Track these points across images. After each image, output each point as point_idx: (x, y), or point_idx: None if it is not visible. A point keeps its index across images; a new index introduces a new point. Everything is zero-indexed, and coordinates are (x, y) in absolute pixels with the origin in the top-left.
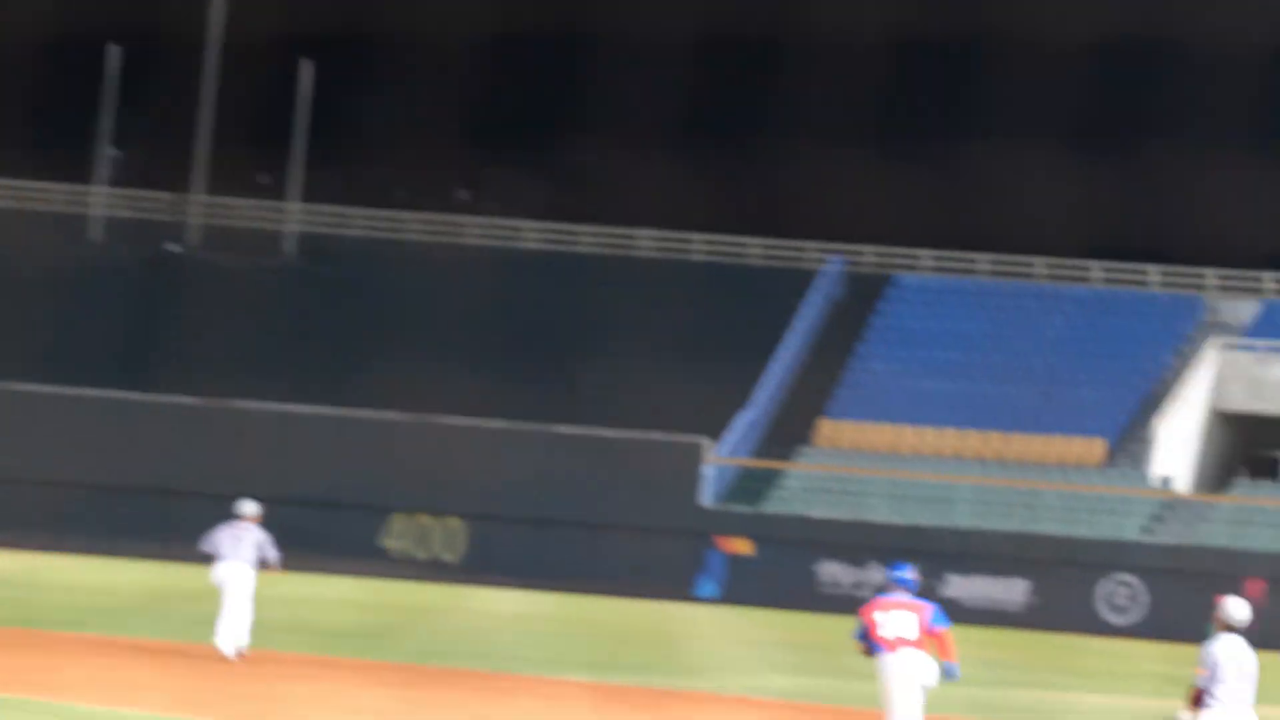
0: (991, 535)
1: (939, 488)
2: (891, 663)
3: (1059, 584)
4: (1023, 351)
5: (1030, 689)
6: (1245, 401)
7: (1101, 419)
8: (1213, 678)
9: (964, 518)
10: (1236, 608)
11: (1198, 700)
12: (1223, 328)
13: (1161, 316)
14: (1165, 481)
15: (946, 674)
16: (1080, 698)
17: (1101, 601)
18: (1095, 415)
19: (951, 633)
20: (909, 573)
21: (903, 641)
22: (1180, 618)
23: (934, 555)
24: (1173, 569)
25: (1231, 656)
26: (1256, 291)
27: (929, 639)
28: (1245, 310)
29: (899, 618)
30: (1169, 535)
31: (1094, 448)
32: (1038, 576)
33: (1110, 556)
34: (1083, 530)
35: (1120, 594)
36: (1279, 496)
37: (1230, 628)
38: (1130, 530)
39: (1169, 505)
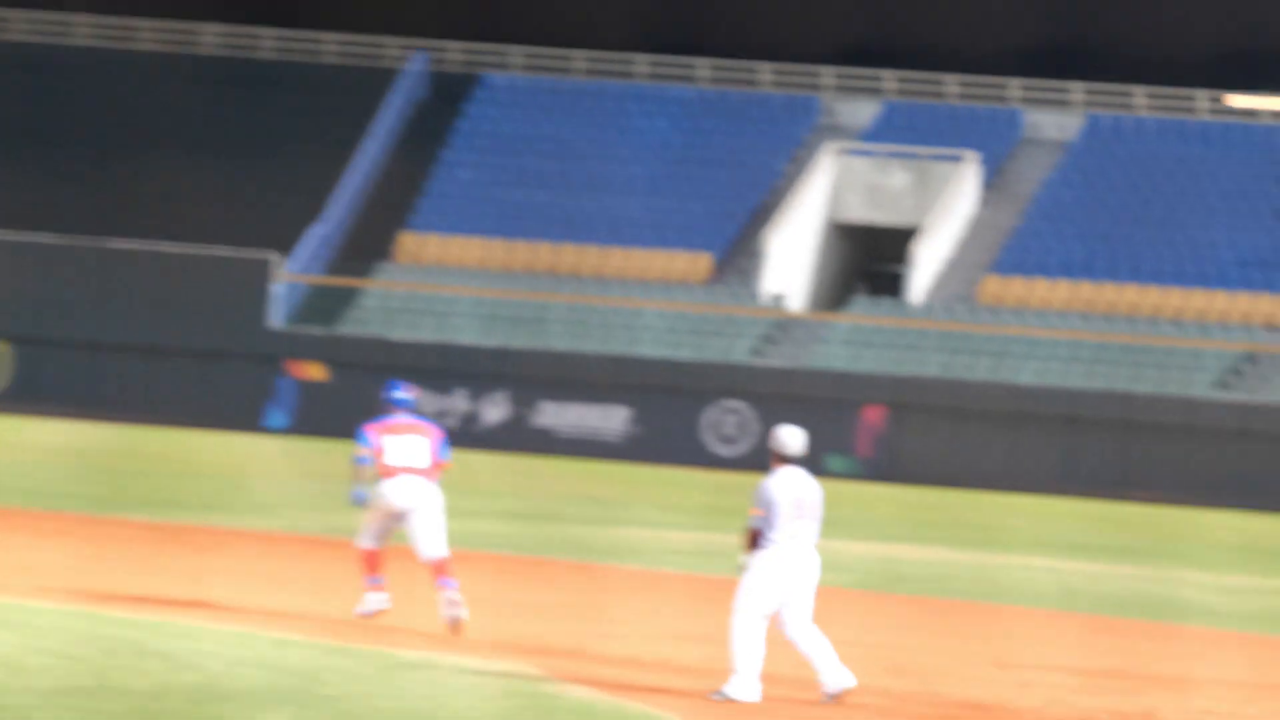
0: (588, 359)
1: (531, 307)
2: (390, 490)
3: (662, 412)
4: (622, 158)
5: (628, 527)
6: (864, 212)
7: (708, 232)
8: (768, 517)
9: (558, 340)
10: (790, 437)
11: (754, 542)
12: (839, 131)
13: (773, 119)
14: (777, 299)
15: None
16: (680, 537)
17: (708, 431)
18: (701, 228)
19: (451, 464)
20: (408, 391)
21: (410, 469)
22: None
23: (526, 381)
24: (785, 394)
25: (787, 492)
26: (876, 92)
27: (433, 468)
28: (863, 112)
29: (411, 442)
30: (781, 358)
31: (700, 263)
32: (639, 404)
33: (717, 381)
34: (687, 353)
35: (728, 422)
36: (900, 315)
37: (785, 459)
38: (739, 353)
39: (781, 325)
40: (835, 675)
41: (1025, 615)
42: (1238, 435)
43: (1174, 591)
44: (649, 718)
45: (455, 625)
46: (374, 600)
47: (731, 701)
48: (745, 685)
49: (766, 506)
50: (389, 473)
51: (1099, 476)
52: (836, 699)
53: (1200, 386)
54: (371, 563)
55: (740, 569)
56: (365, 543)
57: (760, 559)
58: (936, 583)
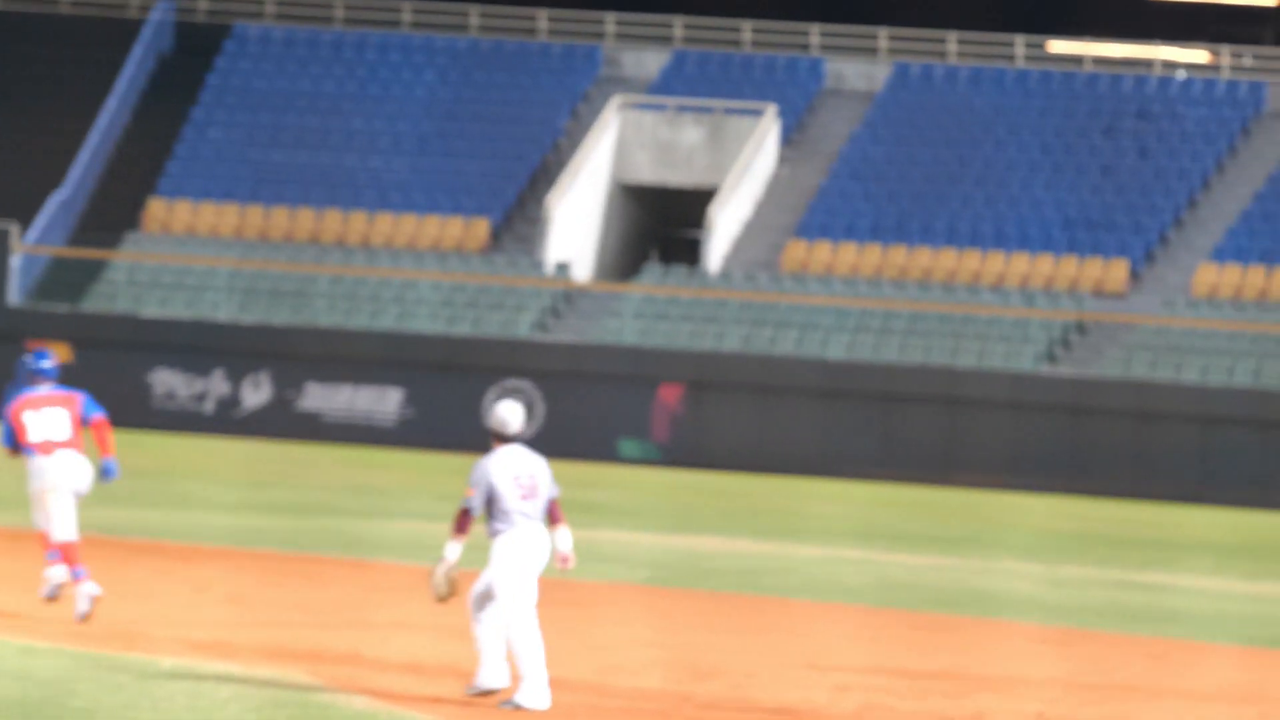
0: (357, 336)
1: (294, 280)
2: (46, 467)
3: (438, 393)
4: (388, 115)
5: (404, 519)
6: (654, 171)
7: (484, 196)
8: (486, 498)
9: (324, 315)
10: (509, 414)
11: (461, 526)
12: (624, 83)
13: (552, 71)
14: (562, 269)
15: (105, 473)
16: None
17: (489, 413)
18: (477, 191)
19: (108, 421)
20: (50, 361)
21: (56, 444)
22: (583, 430)
23: (289, 361)
24: (573, 372)
25: (508, 470)
26: (664, 40)
27: (88, 431)
28: (651, 62)
29: (51, 415)
30: (568, 332)
31: (477, 230)
32: (413, 384)
33: (499, 359)
34: (465, 328)
35: None
36: (696, 284)
37: (505, 438)
38: (522, 327)
39: (567, 297)
40: (493, 673)
41: (841, 612)
42: (1069, 412)
43: (1002, 584)
44: None
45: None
46: (84, 591)
47: (522, 710)
48: (538, 691)
49: (482, 487)
50: (43, 450)
51: (918, 459)
52: (482, 695)
53: (1026, 359)
54: (70, 554)
55: (441, 559)
56: (63, 534)
57: (500, 548)
58: (742, 577)
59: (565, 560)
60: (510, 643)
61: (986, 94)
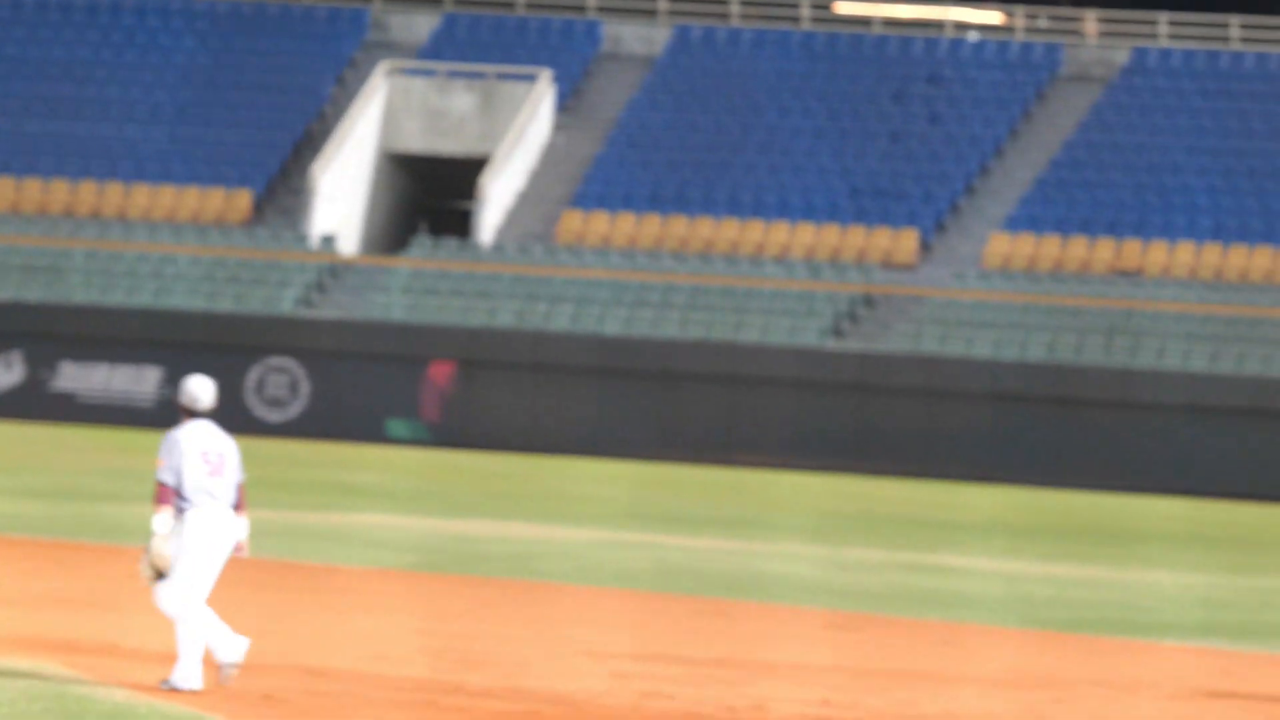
0: (113, 313)
1: (48, 254)
2: None
3: (199, 372)
4: (145, 83)
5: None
6: (423, 140)
7: (245, 166)
8: (175, 471)
9: (78, 291)
10: (200, 390)
11: (162, 498)
12: (392, 48)
13: (316, 35)
14: (327, 242)
15: None
16: None
17: (252, 393)
18: (238, 161)
19: None
20: None
21: None
22: (350, 409)
23: (42, 339)
24: (340, 350)
25: (196, 445)
26: (435, 2)
27: None
28: (420, 25)
29: None
30: (334, 308)
31: (238, 202)
32: (172, 363)
33: (262, 337)
34: (226, 304)
35: (275, 383)
36: (468, 258)
37: (194, 413)
38: (285, 303)
39: (333, 271)
40: (228, 644)
41: (617, 598)
42: (855, 389)
43: (785, 568)
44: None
45: None
46: None
47: (179, 690)
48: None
49: (174, 460)
50: None
51: (699, 438)
52: (237, 669)
53: (811, 334)
54: None
55: (152, 534)
56: None
57: (184, 526)
58: (515, 562)
59: (240, 549)
60: (178, 620)
61: (770, 57)
